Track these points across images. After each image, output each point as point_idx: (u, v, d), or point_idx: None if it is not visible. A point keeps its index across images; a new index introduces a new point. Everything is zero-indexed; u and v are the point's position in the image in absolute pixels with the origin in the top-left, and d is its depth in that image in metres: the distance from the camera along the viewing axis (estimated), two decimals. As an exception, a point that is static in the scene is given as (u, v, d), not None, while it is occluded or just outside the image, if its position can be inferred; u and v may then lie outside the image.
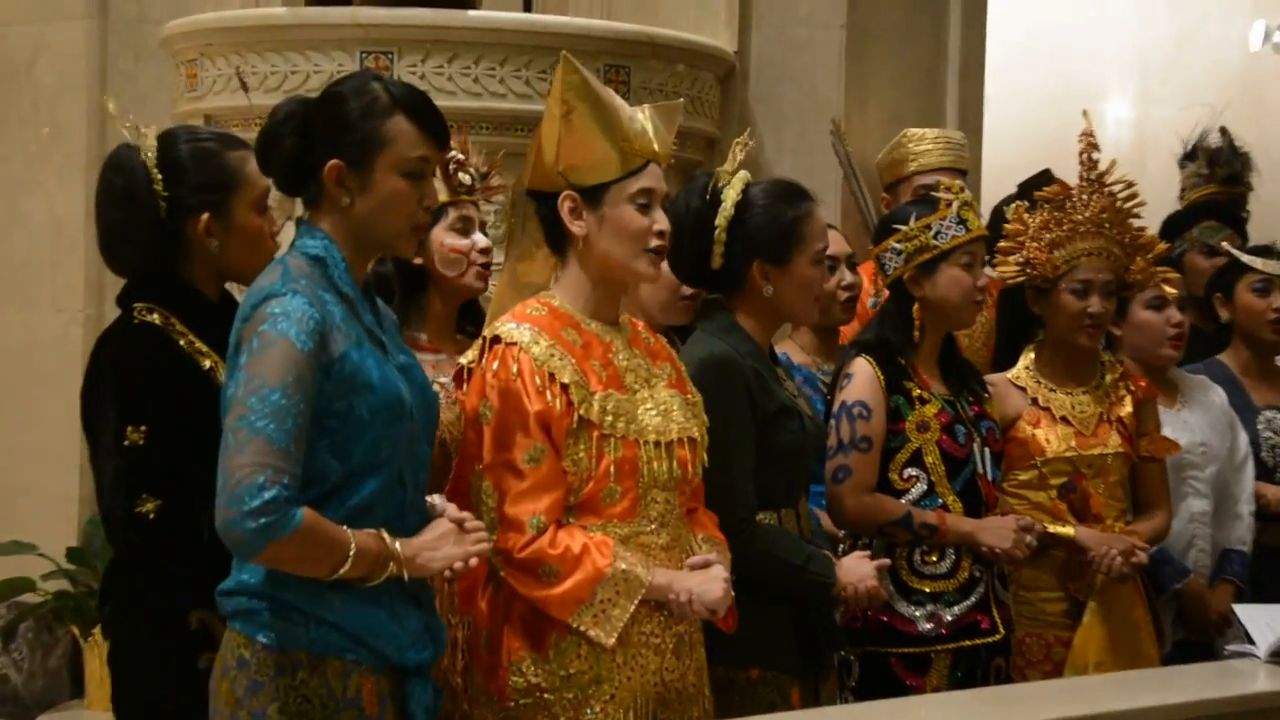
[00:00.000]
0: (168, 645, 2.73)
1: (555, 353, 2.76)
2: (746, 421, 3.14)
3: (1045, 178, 4.08)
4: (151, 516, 2.69)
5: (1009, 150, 6.84)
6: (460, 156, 3.34)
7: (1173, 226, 5.16)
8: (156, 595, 2.74)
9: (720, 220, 3.23)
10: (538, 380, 2.73)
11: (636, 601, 2.74)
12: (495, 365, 2.75)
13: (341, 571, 2.42)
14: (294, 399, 2.38)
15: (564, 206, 2.81)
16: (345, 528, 2.44)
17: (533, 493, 2.71)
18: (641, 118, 2.87)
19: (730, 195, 3.24)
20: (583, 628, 2.72)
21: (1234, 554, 4.17)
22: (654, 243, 2.85)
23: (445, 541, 2.55)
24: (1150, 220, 4.92)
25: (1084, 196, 3.78)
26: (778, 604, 3.18)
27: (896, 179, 4.77)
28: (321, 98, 2.58)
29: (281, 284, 2.46)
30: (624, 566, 2.73)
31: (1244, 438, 4.27)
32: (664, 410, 2.87)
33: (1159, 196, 5.78)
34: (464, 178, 3.35)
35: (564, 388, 2.74)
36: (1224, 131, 5.64)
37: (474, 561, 2.56)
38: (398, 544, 2.48)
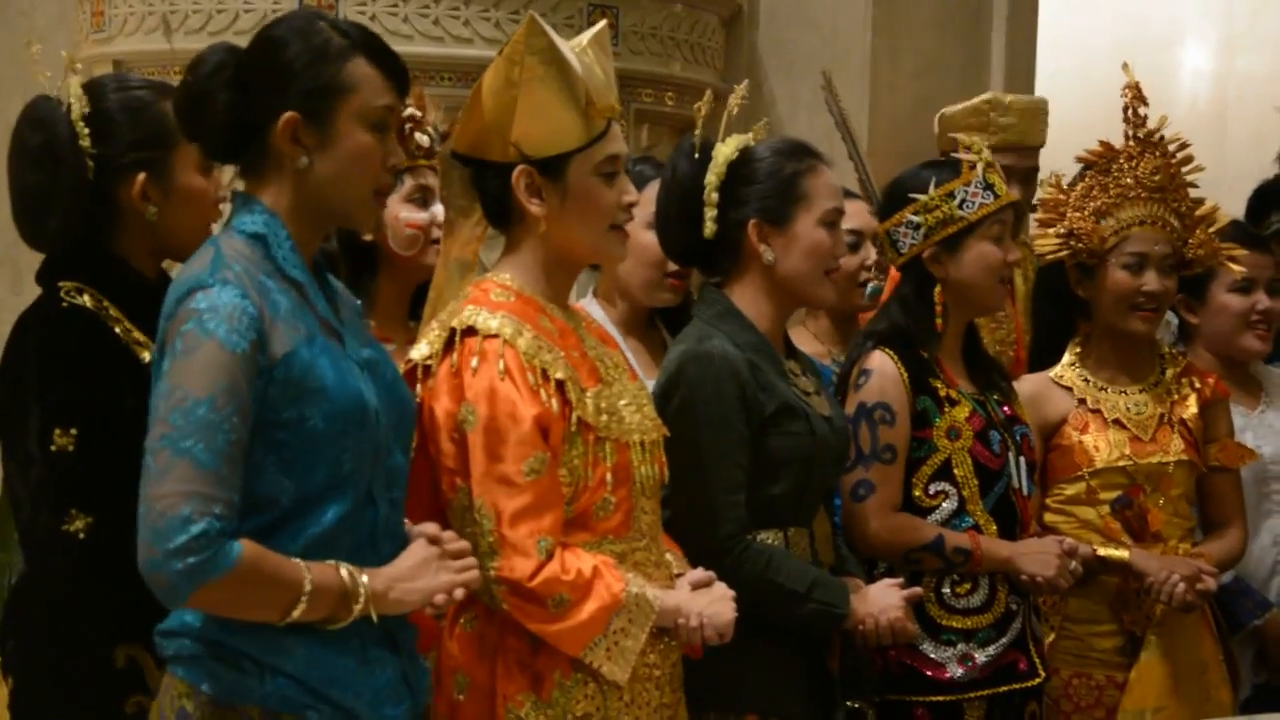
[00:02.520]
0: (87, 687, 2.71)
1: (543, 345, 2.77)
2: (735, 424, 3.13)
3: None
4: (81, 536, 2.68)
5: (1066, 111, 6.83)
6: (417, 114, 3.33)
7: (1266, 197, 5.16)
8: (75, 627, 2.72)
9: (710, 179, 3.23)
10: (530, 378, 2.74)
11: (649, 630, 2.77)
12: (475, 362, 2.75)
13: (294, 615, 2.38)
14: (224, 411, 2.34)
15: (519, 183, 2.82)
16: (299, 561, 2.39)
17: (535, 510, 2.71)
18: (590, 62, 2.86)
19: (723, 152, 3.25)
20: (595, 663, 2.74)
21: None
22: (621, 218, 2.87)
23: (425, 570, 2.51)
24: (1235, 193, 4.95)
25: (1133, 157, 3.78)
26: (784, 639, 3.18)
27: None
28: (258, 42, 2.54)
29: (210, 273, 2.41)
30: (636, 590, 2.76)
31: None
32: (639, 405, 2.90)
33: (1246, 163, 5.80)
34: (421, 138, 3.34)
35: (559, 385, 2.76)
36: None
37: (459, 593, 2.54)
38: (365, 576, 2.44)
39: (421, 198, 3.35)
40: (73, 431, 2.70)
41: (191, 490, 2.31)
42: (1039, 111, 4.88)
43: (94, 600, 2.71)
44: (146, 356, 2.75)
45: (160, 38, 4.63)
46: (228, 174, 2.79)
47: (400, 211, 3.32)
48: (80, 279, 2.81)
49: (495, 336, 2.75)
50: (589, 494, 2.78)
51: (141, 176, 2.83)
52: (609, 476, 2.79)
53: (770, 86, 5.53)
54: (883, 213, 3.66)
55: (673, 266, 3.52)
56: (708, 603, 2.85)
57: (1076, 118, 5.85)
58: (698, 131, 3.30)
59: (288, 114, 2.48)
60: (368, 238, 3.29)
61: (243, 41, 2.55)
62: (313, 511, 2.44)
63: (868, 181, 5.12)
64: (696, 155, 3.26)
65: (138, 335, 2.79)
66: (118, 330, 2.79)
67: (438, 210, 3.30)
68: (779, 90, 5.52)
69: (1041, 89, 6.13)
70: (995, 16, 5.81)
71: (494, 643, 2.78)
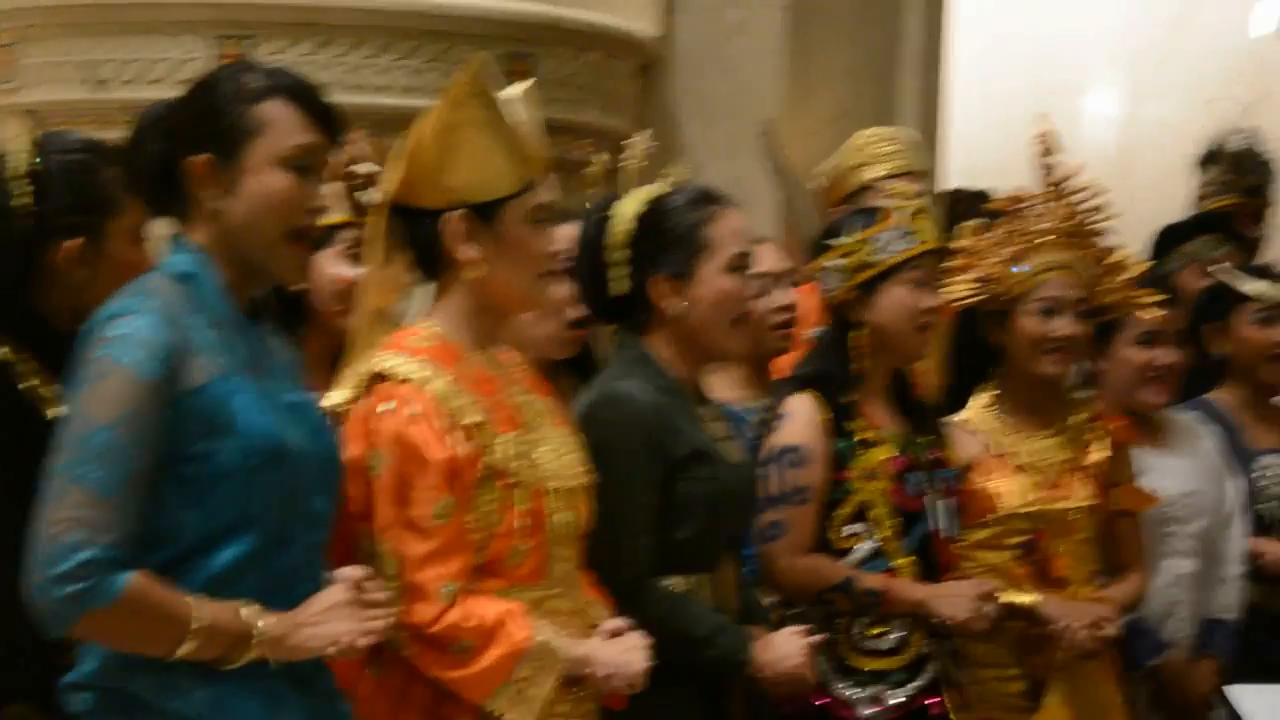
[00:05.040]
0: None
1: (458, 390, 2.77)
2: (642, 468, 3.13)
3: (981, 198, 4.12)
4: None
5: (980, 156, 6.90)
6: (373, 168, 3.31)
7: (1169, 238, 5.21)
8: None
9: (613, 239, 3.23)
10: (440, 423, 2.73)
11: (556, 678, 2.75)
12: (384, 407, 2.74)
13: (181, 651, 2.35)
14: (128, 439, 2.32)
15: (454, 228, 2.81)
16: (189, 598, 2.36)
17: (441, 555, 2.70)
18: (524, 118, 2.88)
19: (625, 210, 3.24)
20: (499, 711, 2.72)
21: (1217, 624, 4.19)
22: (552, 265, 2.89)
23: (334, 615, 2.47)
24: (1141, 238, 5.01)
25: (1046, 204, 3.81)
26: (686, 681, 3.16)
27: (856, 188, 4.72)
28: (187, 91, 2.55)
29: (130, 303, 2.41)
30: (541, 639, 2.74)
31: (1232, 488, 4.29)
32: (560, 452, 2.89)
33: (1150, 207, 5.87)
34: (373, 196, 3.26)
35: (469, 430, 2.75)
36: (1250, 134, 5.68)
37: (363, 641, 2.50)
38: (262, 620, 2.41)
39: (357, 254, 3.33)
40: None
41: (84, 517, 2.30)
42: (913, 140, 4.92)
43: None
44: (51, 413, 2.69)
45: (74, 87, 4.60)
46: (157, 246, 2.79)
47: (331, 267, 3.31)
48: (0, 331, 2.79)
49: (407, 381, 2.74)
50: (500, 540, 2.77)
51: (79, 241, 2.80)
52: (521, 522, 2.78)
53: (686, 133, 5.55)
54: (811, 257, 3.68)
55: (573, 315, 3.53)
56: (619, 652, 2.84)
57: (989, 160, 5.91)
58: (594, 189, 3.31)
59: (202, 155, 2.47)
60: (301, 287, 3.27)
61: (156, 93, 2.58)
62: (215, 549, 2.42)
63: (806, 227, 5.12)
64: (597, 214, 3.26)
65: (44, 392, 2.75)
66: (22, 386, 2.75)
67: None
68: (695, 137, 5.55)
69: (954, 133, 6.20)
70: (907, 62, 5.87)
71: (399, 690, 2.77)
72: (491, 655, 2.70)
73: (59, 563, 2.28)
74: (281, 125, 2.49)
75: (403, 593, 2.68)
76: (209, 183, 2.48)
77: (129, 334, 2.36)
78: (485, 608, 2.72)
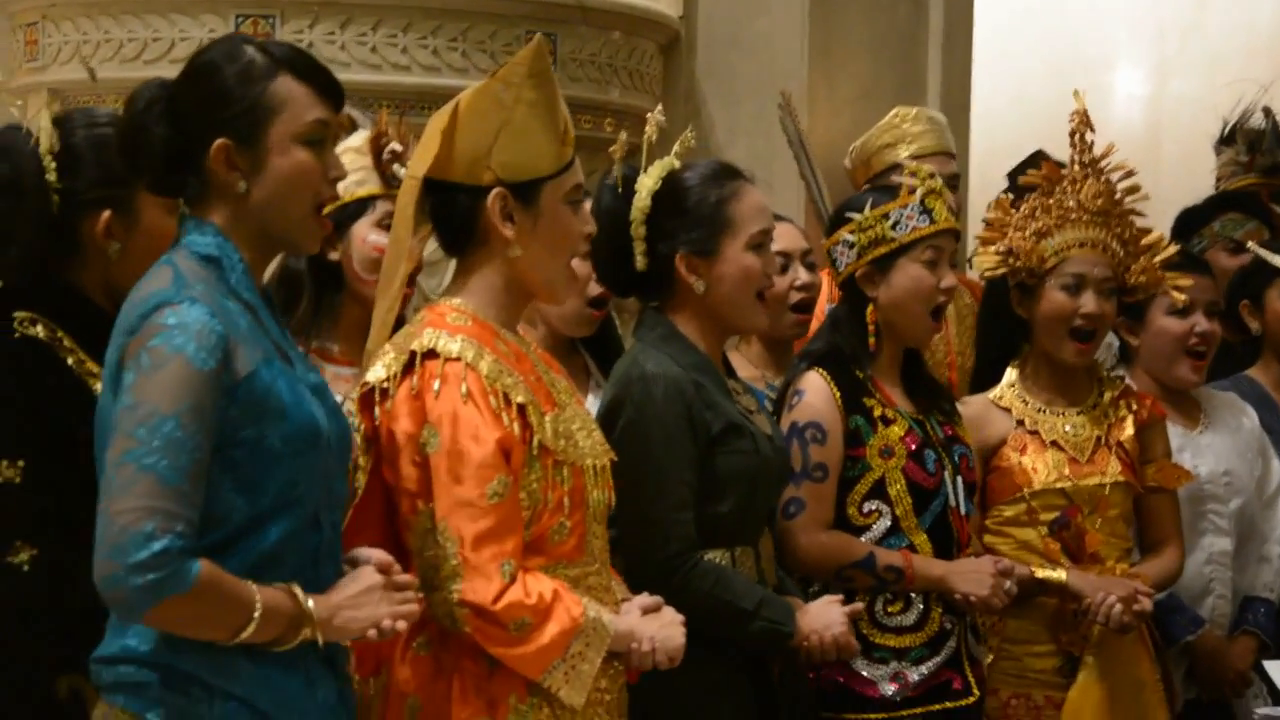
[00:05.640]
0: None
1: (503, 369, 2.76)
2: (683, 443, 3.14)
3: (1037, 159, 4.10)
4: (25, 568, 2.65)
5: (999, 133, 6.88)
6: (398, 148, 3.35)
7: (1190, 220, 5.19)
8: (15, 658, 2.68)
9: (635, 214, 3.24)
10: (492, 401, 2.73)
11: (604, 653, 2.76)
12: (437, 385, 2.73)
13: (244, 635, 2.38)
14: (191, 430, 2.34)
15: (494, 206, 2.80)
16: (250, 583, 2.39)
17: (497, 533, 2.70)
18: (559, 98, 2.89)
19: (646, 184, 3.25)
20: (554, 687, 2.72)
21: (1259, 602, 4.17)
22: (582, 248, 2.89)
23: (370, 599, 2.51)
24: (1167, 213, 4.98)
25: (1077, 181, 3.79)
26: (729, 658, 3.18)
27: (886, 167, 4.72)
28: (187, 72, 2.54)
29: (175, 290, 2.41)
30: (593, 614, 2.75)
31: (1277, 467, 4.27)
32: (589, 430, 2.90)
33: (1177, 185, 5.84)
34: (400, 171, 3.32)
35: (520, 409, 2.75)
36: (1268, 113, 5.60)
37: (401, 625, 2.54)
38: (311, 602, 2.44)
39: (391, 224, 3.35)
40: (20, 463, 2.67)
41: (155, 506, 2.31)
42: (942, 121, 4.90)
43: (37, 632, 2.67)
44: (99, 388, 2.69)
45: (96, 66, 4.60)
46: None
47: (369, 235, 3.33)
48: (35, 310, 2.78)
49: (457, 360, 2.74)
50: (546, 518, 2.78)
51: (106, 213, 2.81)
52: (566, 500, 2.78)
53: (708, 112, 5.54)
54: (826, 233, 3.68)
55: (593, 293, 3.51)
56: (659, 627, 2.85)
57: (1011, 139, 5.89)
58: (616, 165, 3.29)
59: (220, 140, 2.48)
60: (334, 256, 3.30)
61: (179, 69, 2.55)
62: (261, 530, 2.44)
63: (821, 201, 5.12)
64: (619, 189, 3.26)
65: (91, 367, 2.75)
66: (70, 362, 2.76)
67: None
68: (717, 116, 5.54)
69: (977, 111, 6.17)
70: (930, 41, 5.85)
71: (449, 666, 2.76)
72: (549, 631, 2.71)
73: (135, 552, 2.29)
74: (296, 102, 2.50)
75: (462, 570, 2.69)
76: (232, 166, 2.49)
77: (185, 323, 2.37)
78: (542, 584, 2.73)
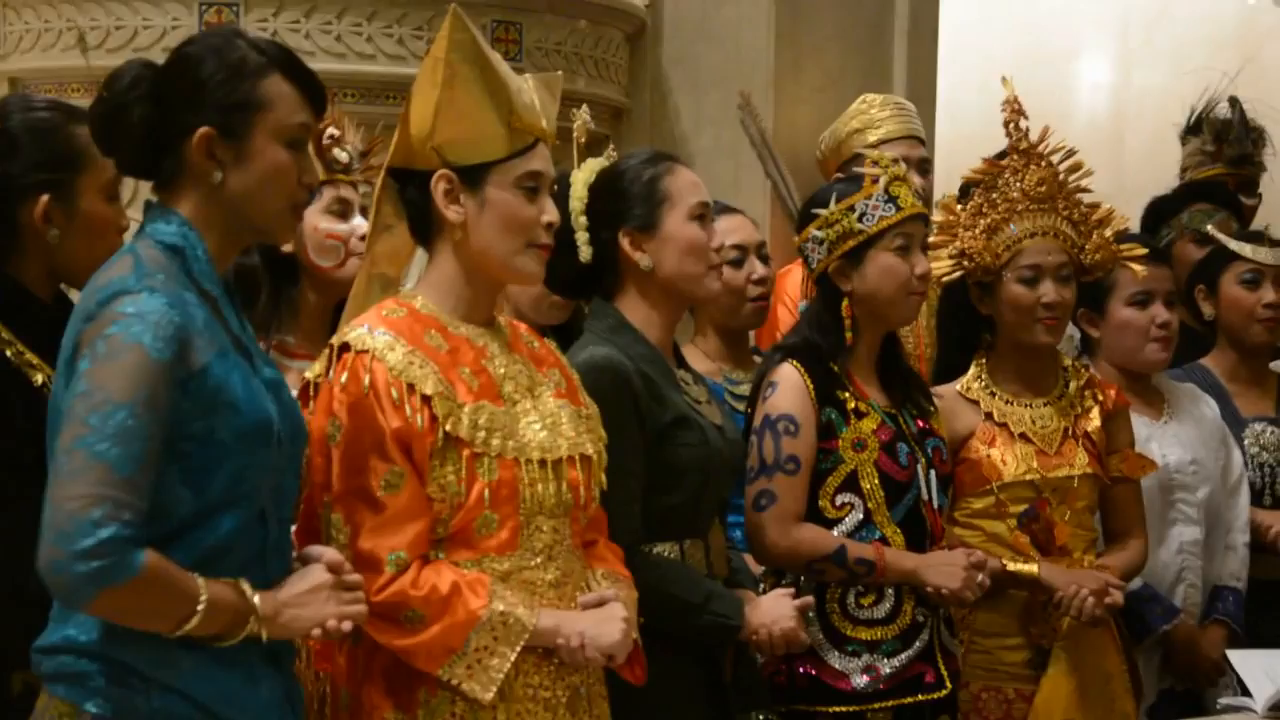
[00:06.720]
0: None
1: (415, 360, 2.74)
2: (630, 435, 3.13)
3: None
4: None
5: (965, 123, 6.87)
6: (335, 132, 3.38)
7: (1159, 211, 5.19)
8: None
9: (574, 206, 3.27)
10: (394, 393, 2.71)
11: (518, 649, 2.73)
12: (344, 378, 2.73)
13: (187, 627, 2.38)
14: (144, 419, 2.33)
15: (438, 188, 2.80)
16: (196, 575, 2.39)
17: (391, 525, 2.70)
18: (528, 89, 2.87)
19: (580, 178, 3.30)
20: (455, 681, 2.70)
21: (1227, 591, 4.19)
22: (541, 236, 2.86)
23: (317, 597, 2.51)
24: (1133, 206, 4.98)
25: (1018, 170, 3.79)
26: (683, 653, 3.17)
27: (854, 153, 4.64)
28: (175, 58, 2.54)
29: (135, 279, 2.41)
30: (502, 608, 2.72)
31: (1238, 456, 4.28)
32: (550, 423, 2.86)
33: (1143, 176, 5.82)
34: (340, 155, 3.41)
35: (425, 400, 2.73)
36: (1234, 102, 5.61)
37: (347, 625, 2.54)
38: (258, 597, 2.45)
39: (340, 210, 3.38)
40: None
41: (104, 494, 2.30)
42: (910, 106, 4.89)
43: None
44: (39, 379, 2.72)
45: (58, 54, 4.57)
46: (137, 198, 2.79)
47: (320, 223, 3.34)
48: None
49: (365, 352, 2.73)
50: (465, 511, 2.75)
51: (45, 198, 2.80)
52: (487, 494, 2.75)
53: (675, 101, 5.53)
54: (796, 229, 3.68)
55: None
56: (592, 623, 2.81)
57: (976, 129, 5.87)
58: (576, 150, 3.35)
59: (203, 129, 2.48)
60: (287, 249, 3.32)
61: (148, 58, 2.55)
62: (209, 524, 2.44)
63: (789, 198, 5.11)
64: (554, 187, 3.26)
65: (30, 357, 2.75)
66: (9, 353, 2.75)
67: (358, 223, 3.35)
68: (684, 105, 5.53)
69: (942, 101, 6.17)
70: (897, 30, 5.86)
71: (368, 660, 2.76)
72: (442, 625, 2.69)
73: (80, 539, 2.28)
74: (284, 103, 2.53)
75: (353, 561, 2.67)
76: (212, 156, 2.49)
77: (143, 313, 2.37)
78: (441, 577, 2.71)
